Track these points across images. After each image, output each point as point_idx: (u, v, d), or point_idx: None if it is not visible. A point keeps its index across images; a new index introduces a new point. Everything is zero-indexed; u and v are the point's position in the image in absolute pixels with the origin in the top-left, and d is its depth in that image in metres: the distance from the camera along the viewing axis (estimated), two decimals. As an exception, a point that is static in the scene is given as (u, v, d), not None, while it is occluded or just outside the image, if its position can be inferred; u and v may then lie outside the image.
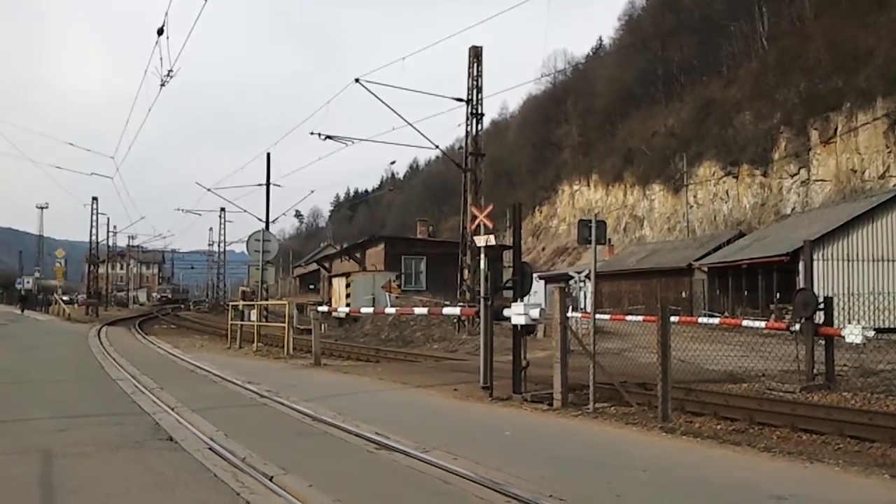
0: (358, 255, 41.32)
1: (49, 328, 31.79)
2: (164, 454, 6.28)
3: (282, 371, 14.30)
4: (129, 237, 77.29)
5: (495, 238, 11.60)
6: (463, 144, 27.06)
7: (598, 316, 10.51)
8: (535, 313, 9.72)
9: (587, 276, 21.94)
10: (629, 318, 18.31)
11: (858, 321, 11.89)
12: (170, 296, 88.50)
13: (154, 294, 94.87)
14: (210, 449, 6.39)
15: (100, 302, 51.33)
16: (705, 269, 32.81)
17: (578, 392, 9.60)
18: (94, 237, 52.32)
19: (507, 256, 24.98)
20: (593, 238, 9.49)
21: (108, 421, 8.01)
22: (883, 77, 34.34)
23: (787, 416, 8.45)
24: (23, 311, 45.77)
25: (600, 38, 79.10)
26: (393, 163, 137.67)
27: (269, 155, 30.50)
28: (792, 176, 40.14)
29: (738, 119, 45.65)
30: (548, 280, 38.04)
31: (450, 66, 43.73)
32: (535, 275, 17.54)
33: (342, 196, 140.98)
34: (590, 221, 9.60)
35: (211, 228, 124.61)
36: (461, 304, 22.93)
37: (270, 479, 5.33)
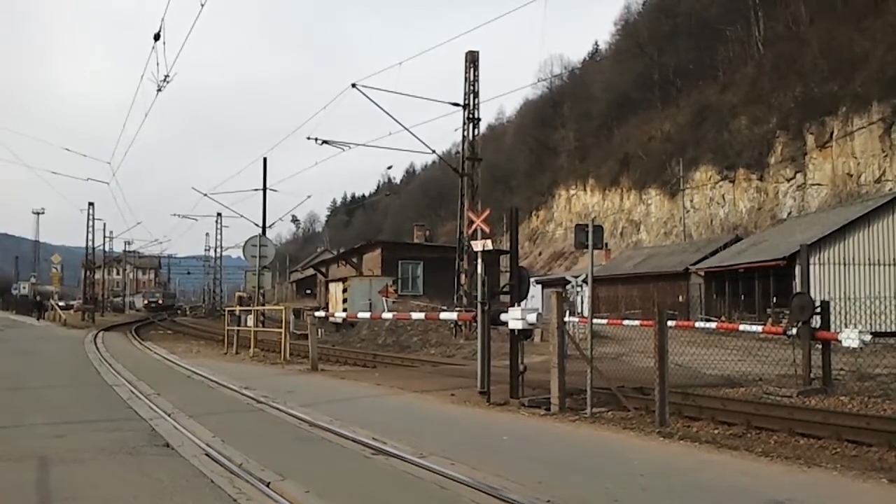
0: (355, 259, 41.31)
1: (45, 334, 31.69)
2: (161, 460, 6.27)
3: (279, 376, 14.27)
4: (125, 242, 76.44)
5: (492, 242, 11.61)
6: (460, 149, 27.09)
7: (595, 320, 10.49)
8: (532, 318, 9.71)
9: (584, 281, 21.94)
10: (626, 322, 18.29)
11: (855, 325, 11.94)
12: (159, 301, 78.17)
13: (142, 299, 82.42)
14: (207, 455, 6.38)
15: (96, 307, 51.15)
16: (702, 273, 32.87)
17: (576, 397, 9.58)
18: (90, 242, 52.08)
19: (504, 261, 25.00)
20: (590, 242, 9.46)
21: (105, 427, 7.99)
22: (878, 81, 34.45)
23: (785, 421, 8.44)
24: (39, 318, 45.47)
25: (596, 43, 79.27)
26: (390, 167, 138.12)
27: (265, 160, 30.44)
28: (788, 180, 40.26)
29: (734, 123, 45.78)
30: (545, 284, 38.11)
31: (447, 71, 43.87)
32: (532, 279, 17.55)
33: (339, 201, 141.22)
34: (587, 226, 9.58)
35: (207, 234, 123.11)
36: (458, 308, 22.90)
37: (267, 485, 5.32)
